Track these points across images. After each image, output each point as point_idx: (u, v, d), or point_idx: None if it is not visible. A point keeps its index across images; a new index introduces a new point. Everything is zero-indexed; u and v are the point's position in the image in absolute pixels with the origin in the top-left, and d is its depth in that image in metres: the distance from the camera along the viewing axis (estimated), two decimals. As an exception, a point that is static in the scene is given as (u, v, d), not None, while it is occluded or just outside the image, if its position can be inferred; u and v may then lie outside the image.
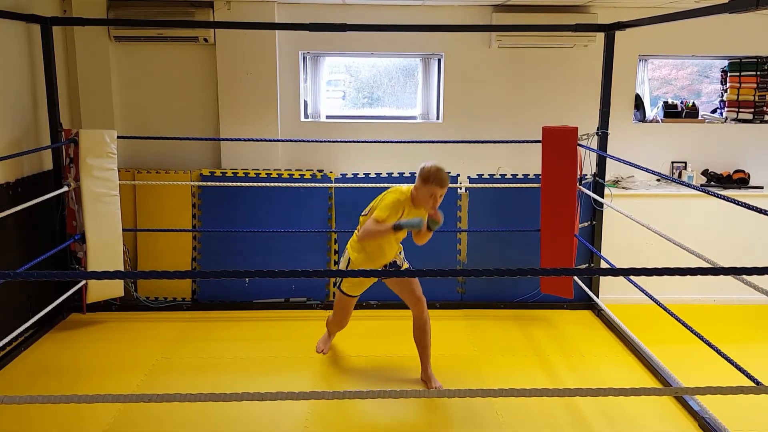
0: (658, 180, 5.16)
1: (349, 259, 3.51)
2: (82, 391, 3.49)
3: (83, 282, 4.43)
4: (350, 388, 3.63)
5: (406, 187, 3.43)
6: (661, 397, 3.51)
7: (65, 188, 4.35)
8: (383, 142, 4.87)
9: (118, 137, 4.47)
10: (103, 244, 4.38)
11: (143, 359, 3.96)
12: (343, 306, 3.76)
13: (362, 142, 4.90)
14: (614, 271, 2.21)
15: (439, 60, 5.15)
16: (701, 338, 3.29)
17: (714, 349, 3.18)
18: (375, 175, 4.92)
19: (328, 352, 4.06)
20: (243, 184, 4.81)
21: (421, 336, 3.66)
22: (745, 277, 2.52)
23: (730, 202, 2.80)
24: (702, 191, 3.21)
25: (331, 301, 4.91)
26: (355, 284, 3.62)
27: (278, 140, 4.86)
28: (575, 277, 4.74)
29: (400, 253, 3.65)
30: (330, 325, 4.02)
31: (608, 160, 4.60)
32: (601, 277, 4.90)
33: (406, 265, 3.63)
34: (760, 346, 4.35)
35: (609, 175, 4.99)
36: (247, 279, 4.82)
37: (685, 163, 5.22)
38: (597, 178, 4.73)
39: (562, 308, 4.84)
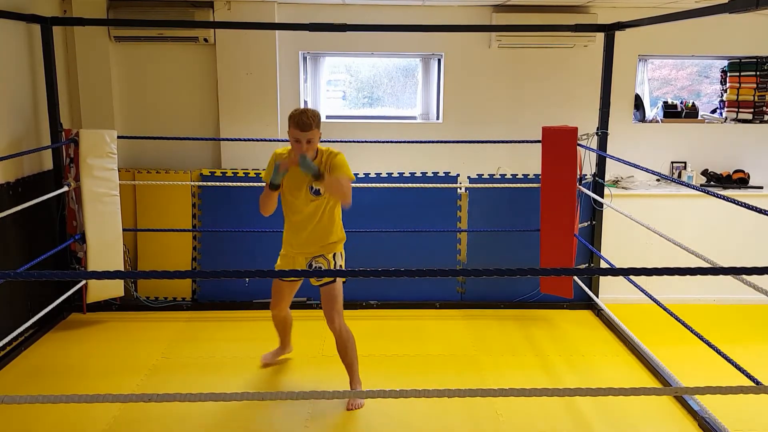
0: (657, 180, 5.16)
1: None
2: (82, 391, 3.50)
3: (83, 282, 4.43)
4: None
5: (284, 146, 3.32)
6: (661, 397, 3.51)
7: (65, 188, 4.35)
8: (383, 142, 4.87)
9: (118, 137, 4.47)
10: (103, 244, 4.38)
11: (143, 359, 3.96)
12: (273, 287, 3.55)
13: (362, 142, 4.90)
14: (614, 271, 2.21)
15: (439, 60, 5.15)
16: (701, 338, 3.29)
17: (714, 349, 3.18)
18: (375, 175, 4.92)
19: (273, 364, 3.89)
20: (243, 184, 4.81)
21: (341, 354, 3.44)
22: (745, 277, 2.52)
23: (730, 202, 2.80)
24: (702, 191, 3.21)
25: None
26: (278, 265, 3.44)
27: (278, 140, 4.86)
28: (575, 277, 4.75)
29: (329, 256, 3.34)
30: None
31: (608, 160, 4.60)
32: (601, 277, 4.90)
33: (326, 278, 3.33)
34: (760, 346, 4.35)
35: (609, 175, 4.99)
36: (247, 279, 4.82)
37: (685, 163, 5.22)
38: (597, 178, 4.73)
39: (562, 308, 4.84)
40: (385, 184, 4.79)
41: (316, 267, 3.35)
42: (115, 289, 4.55)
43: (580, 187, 4.56)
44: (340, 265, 3.41)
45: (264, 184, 3.30)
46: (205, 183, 4.89)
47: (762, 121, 5.23)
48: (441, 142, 5.01)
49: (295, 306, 4.84)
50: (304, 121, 3.09)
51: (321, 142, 3.24)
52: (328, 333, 4.36)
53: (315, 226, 3.31)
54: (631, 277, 3.47)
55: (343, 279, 3.54)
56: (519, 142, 4.82)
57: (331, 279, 3.35)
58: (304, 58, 5.15)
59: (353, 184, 3.32)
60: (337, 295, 3.36)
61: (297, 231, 3.34)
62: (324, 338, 4.29)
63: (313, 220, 3.30)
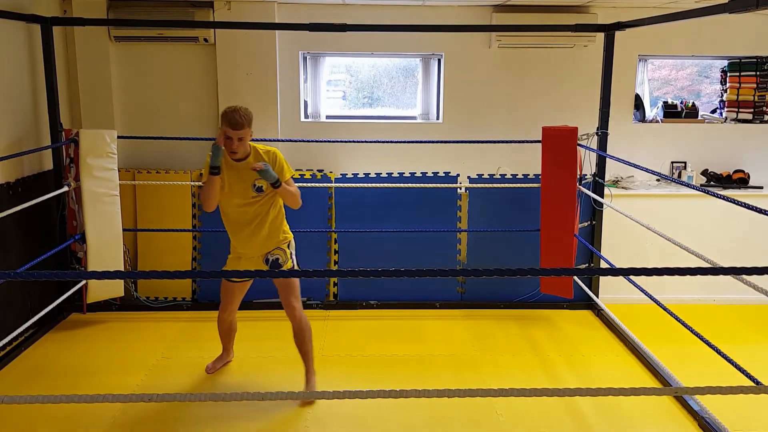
0: (657, 180, 5.16)
1: None
2: (82, 391, 3.50)
3: (83, 282, 4.43)
4: (350, 388, 3.62)
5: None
6: (661, 397, 3.51)
7: (65, 188, 4.35)
8: (383, 142, 4.87)
9: (118, 137, 4.47)
10: (103, 244, 4.38)
11: (143, 359, 3.96)
12: (222, 289, 3.57)
13: (362, 142, 4.90)
14: (614, 271, 2.21)
15: (439, 60, 5.15)
16: (701, 338, 3.29)
17: (714, 349, 3.19)
18: (375, 175, 4.92)
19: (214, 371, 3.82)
20: (243, 184, 4.81)
21: (298, 342, 3.48)
22: (745, 277, 2.52)
23: (730, 202, 2.80)
24: (702, 191, 3.21)
25: (331, 301, 4.93)
26: (228, 266, 3.46)
27: (278, 140, 4.86)
28: (575, 277, 4.75)
29: (284, 246, 3.38)
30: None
31: (608, 160, 4.60)
32: (601, 277, 4.90)
33: (290, 264, 3.38)
34: (760, 346, 4.35)
35: (609, 175, 4.99)
36: (247, 279, 4.81)
37: (685, 163, 5.22)
38: (597, 178, 4.73)
39: (562, 308, 4.84)
40: (385, 184, 4.79)
41: (272, 259, 3.37)
42: (115, 289, 4.55)
43: (580, 187, 4.56)
44: (293, 254, 3.44)
45: (201, 183, 3.31)
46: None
47: (762, 121, 5.23)
48: (441, 142, 5.02)
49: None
50: (236, 119, 3.12)
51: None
52: (327, 333, 4.38)
53: (261, 223, 3.32)
54: (631, 277, 3.47)
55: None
56: (519, 142, 4.82)
57: (290, 266, 3.38)
58: (304, 58, 5.15)
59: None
60: (294, 282, 3.38)
61: (244, 233, 3.34)
62: (324, 338, 4.30)
63: (258, 217, 3.31)
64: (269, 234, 3.35)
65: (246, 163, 3.25)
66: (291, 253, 3.44)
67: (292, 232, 3.49)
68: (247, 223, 3.32)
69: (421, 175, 4.95)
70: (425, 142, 5.02)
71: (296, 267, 3.46)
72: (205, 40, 4.77)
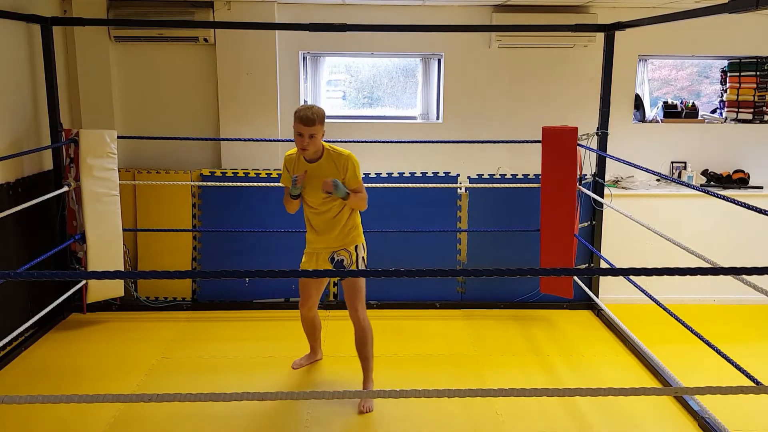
0: (657, 180, 5.16)
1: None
2: (82, 391, 3.50)
3: (83, 282, 4.43)
4: (350, 388, 3.62)
5: (292, 148, 3.44)
6: (661, 397, 3.51)
7: (65, 188, 4.35)
8: (383, 142, 4.87)
9: (118, 137, 4.47)
10: (103, 244, 4.38)
11: (143, 359, 3.96)
12: (300, 284, 3.67)
13: (362, 142, 4.90)
14: (614, 271, 2.21)
15: (439, 60, 5.15)
16: (701, 338, 3.29)
17: (714, 349, 3.18)
18: (375, 175, 4.92)
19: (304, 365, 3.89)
20: (243, 184, 4.81)
21: (359, 346, 3.43)
22: (745, 277, 2.52)
23: (730, 202, 2.80)
24: (702, 191, 3.20)
25: (331, 301, 4.93)
26: (303, 263, 3.54)
27: (278, 140, 4.86)
28: (575, 277, 4.75)
29: (351, 248, 3.40)
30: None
31: (608, 160, 4.60)
32: (601, 277, 4.90)
33: (353, 266, 3.39)
34: (760, 346, 4.35)
35: (609, 175, 4.99)
36: (247, 279, 4.82)
37: (685, 163, 5.22)
38: (597, 178, 4.73)
39: (562, 308, 4.84)
40: (385, 184, 4.79)
41: (338, 260, 3.42)
42: (115, 289, 4.55)
43: (580, 187, 4.56)
44: (363, 257, 3.47)
45: (281, 185, 3.45)
46: (205, 183, 4.89)
47: (762, 121, 5.22)
48: (441, 142, 5.01)
49: (294, 306, 4.85)
50: (308, 116, 3.20)
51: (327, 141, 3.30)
52: (327, 333, 4.37)
53: (332, 222, 3.39)
54: (631, 277, 3.47)
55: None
56: (519, 142, 4.82)
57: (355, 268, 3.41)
58: (304, 58, 5.15)
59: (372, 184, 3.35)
60: (361, 286, 3.40)
61: (316, 229, 3.44)
62: (324, 338, 4.29)
63: (329, 216, 3.38)
64: (339, 233, 3.40)
65: (317, 165, 3.31)
66: (358, 256, 3.44)
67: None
68: (318, 221, 3.41)
69: (421, 175, 4.95)
70: (425, 142, 5.02)
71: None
72: (205, 40, 4.77)
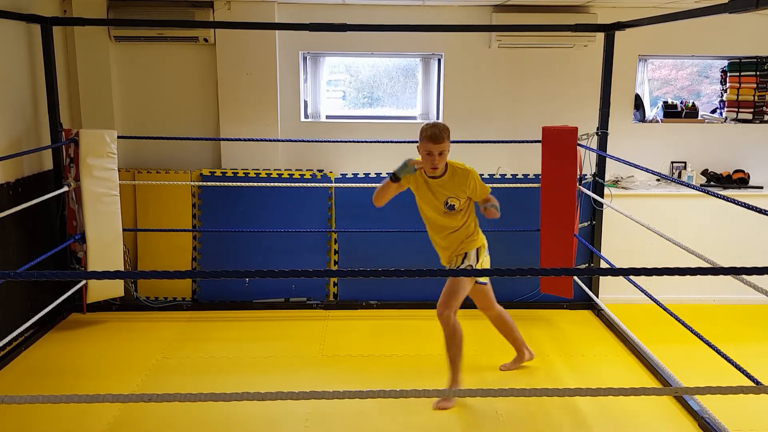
0: (657, 180, 5.16)
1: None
2: (82, 391, 3.49)
3: (83, 282, 4.43)
4: (350, 388, 3.62)
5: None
6: (661, 397, 3.51)
7: (65, 188, 4.35)
8: (383, 142, 4.87)
9: (118, 137, 4.47)
10: (103, 244, 4.38)
11: (143, 359, 3.96)
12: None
13: (362, 142, 4.90)
14: (614, 271, 2.21)
15: (439, 60, 5.15)
16: (701, 338, 3.29)
17: (714, 349, 3.18)
18: (375, 175, 4.92)
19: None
20: (243, 184, 4.82)
21: (447, 346, 3.42)
22: (745, 277, 2.52)
23: (730, 202, 2.80)
24: (702, 191, 3.20)
25: (331, 301, 4.92)
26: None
27: (278, 140, 4.86)
28: (575, 277, 4.74)
29: (468, 250, 3.34)
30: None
31: (608, 160, 4.60)
32: (601, 277, 4.90)
33: (485, 278, 3.40)
34: (760, 346, 4.35)
35: (609, 175, 4.99)
36: (247, 279, 4.82)
37: (685, 163, 5.22)
38: (597, 178, 4.73)
39: (562, 308, 4.84)
40: (385, 184, 4.78)
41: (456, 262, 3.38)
42: (115, 289, 4.55)
43: (580, 187, 4.56)
44: (479, 260, 3.36)
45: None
46: (205, 183, 4.89)
47: (762, 121, 5.22)
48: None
49: (294, 306, 4.87)
50: (436, 133, 3.17)
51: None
52: (327, 333, 4.38)
53: (453, 234, 3.39)
54: (631, 277, 3.47)
55: (484, 280, 3.51)
56: (519, 142, 4.82)
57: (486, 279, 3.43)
58: (304, 58, 5.15)
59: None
60: (455, 287, 3.27)
61: (435, 239, 3.47)
62: (324, 338, 4.30)
63: (450, 229, 3.38)
64: (459, 242, 3.38)
65: (441, 182, 3.31)
66: (477, 259, 3.35)
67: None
68: (439, 232, 3.43)
69: (421, 175, 4.94)
70: (425, 142, 5.01)
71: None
72: (205, 40, 4.77)
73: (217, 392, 1.99)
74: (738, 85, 5.20)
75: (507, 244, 4.85)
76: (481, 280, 3.45)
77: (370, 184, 4.75)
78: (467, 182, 3.32)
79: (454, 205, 3.32)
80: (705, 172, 5.18)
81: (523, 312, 4.79)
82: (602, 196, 4.70)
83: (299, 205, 4.88)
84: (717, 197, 2.97)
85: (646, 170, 3.69)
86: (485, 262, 3.41)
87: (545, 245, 4.58)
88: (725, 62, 5.30)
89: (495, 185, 4.83)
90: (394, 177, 3.29)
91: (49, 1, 4.54)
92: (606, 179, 4.77)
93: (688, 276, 2.00)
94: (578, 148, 4.39)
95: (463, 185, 3.31)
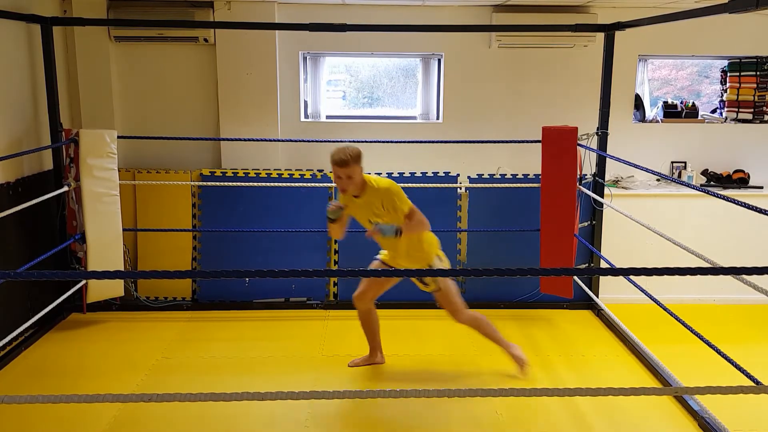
0: (658, 180, 5.16)
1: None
2: (82, 391, 3.50)
3: (83, 282, 4.43)
4: (350, 388, 3.63)
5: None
6: (661, 397, 3.51)
7: (65, 188, 4.35)
8: (383, 142, 4.87)
9: (118, 137, 4.47)
10: (103, 244, 4.38)
11: (143, 359, 3.96)
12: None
13: (362, 142, 4.88)
14: (614, 271, 2.21)
15: (439, 60, 5.15)
16: (701, 338, 3.29)
17: (714, 349, 3.18)
18: (375, 175, 4.91)
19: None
20: (243, 184, 4.82)
21: (482, 335, 3.72)
22: (745, 277, 2.52)
23: (730, 202, 2.80)
24: (702, 191, 3.20)
25: (331, 301, 4.92)
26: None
27: (278, 140, 4.86)
28: (575, 277, 4.74)
29: (433, 261, 3.37)
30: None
31: (608, 160, 4.60)
32: (601, 277, 4.90)
33: (433, 286, 3.37)
34: (760, 346, 4.35)
35: (609, 175, 4.99)
36: (247, 279, 4.82)
37: (685, 163, 5.22)
38: (597, 178, 4.73)
39: (562, 308, 4.84)
40: (385, 184, 4.78)
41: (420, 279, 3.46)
42: (115, 289, 4.55)
43: (580, 187, 4.56)
44: (442, 264, 3.46)
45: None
46: (205, 183, 4.89)
47: (762, 121, 5.23)
48: (441, 142, 5.01)
49: (294, 306, 4.87)
50: (342, 158, 3.29)
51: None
52: (327, 333, 4.38)
53: (398, 245, 3.37)
54: (631, 277, 3.47)
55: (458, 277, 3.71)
56: (519, 142, 4.82)
57: (436, 287, 3.43)
58: (304, 58, 5.15)
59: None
60: (447, 294, 3.46)
61: (386, 251, 3.54)
62: (324, 338, 4.30)
63: (391, 241, 3.38)
64: (408, 252, 3.35)
65: (361, 202, 3.40)
66: (440, 261, 3.43)
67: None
68: (384, 243, 3.49)
69: (421, 175, 4.95)
70: (425, 142, 5.02)
71: (446, 280, 3.47)
72: (205, 40, 4.77)
73: (217, 392, 1.99)
74: (738, 85, 5.20)
75: (507, 244, 4.87)
76: (432, 287, 3.46)
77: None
78: (380, 201, 3.35)
79: (378, 222, 3.36)
80: (705, 172, 5.18)
81: (523, 312, 4.79)
82: (602, 196, 4.70)
83: (299, 205, 4.88)
84: (717, 197, 2.97)
85: (646, 170, 3.69)
86: (444, 259, 3.50)
87: (545, 245, 4.58)
88: (725, 62, 5.30)
89: (495, 185, 4.87)
90: (330, 219, 3.46)
91: (49, 1, 4.55)
92: (606, 179, 4.77)
93: (688, 276, 2.00)
94: (578, 148, 4.39)
95: (378, 203, 3.35)
